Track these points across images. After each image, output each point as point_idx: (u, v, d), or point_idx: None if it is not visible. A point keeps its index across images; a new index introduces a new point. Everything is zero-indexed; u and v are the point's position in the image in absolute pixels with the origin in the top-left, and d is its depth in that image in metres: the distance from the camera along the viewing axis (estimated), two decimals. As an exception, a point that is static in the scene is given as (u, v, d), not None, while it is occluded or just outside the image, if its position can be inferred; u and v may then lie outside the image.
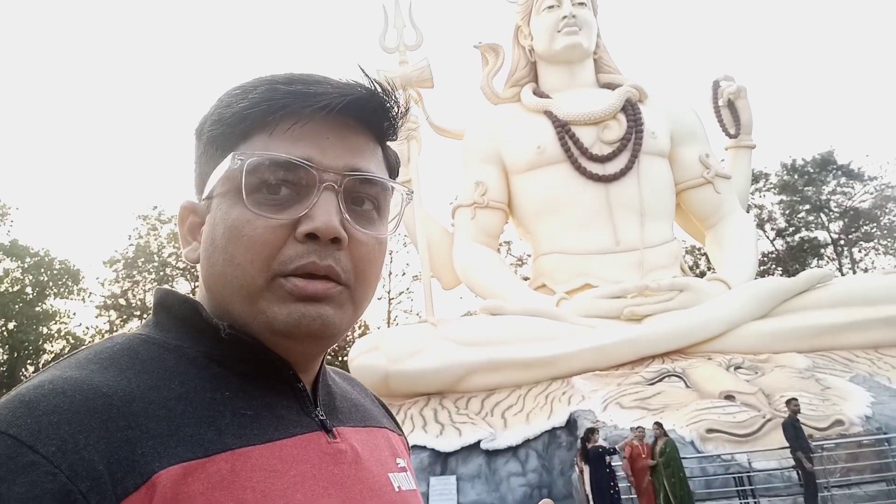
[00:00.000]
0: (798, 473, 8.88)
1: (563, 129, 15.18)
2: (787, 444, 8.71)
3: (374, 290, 0.77)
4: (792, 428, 8.65)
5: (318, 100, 0.70)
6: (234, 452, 0.62)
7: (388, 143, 0.82)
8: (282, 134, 0.71)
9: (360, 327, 28.84)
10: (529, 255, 21.60)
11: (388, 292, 33.46)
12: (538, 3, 16.39)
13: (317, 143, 0.72)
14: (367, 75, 0.75)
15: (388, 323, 32.63)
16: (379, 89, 0.75)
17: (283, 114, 0.71)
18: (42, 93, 62.26)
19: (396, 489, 0.76)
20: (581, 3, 16.22)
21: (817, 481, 8.61)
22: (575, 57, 16.26)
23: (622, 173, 14.90)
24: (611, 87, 16.19)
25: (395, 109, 0.77)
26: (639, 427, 9.29)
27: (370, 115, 0.75)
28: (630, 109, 15.35)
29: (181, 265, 32.39)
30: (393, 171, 0.82)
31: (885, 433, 9.29)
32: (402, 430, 0.93)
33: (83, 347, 0.69)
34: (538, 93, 16.36)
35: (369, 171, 0.74)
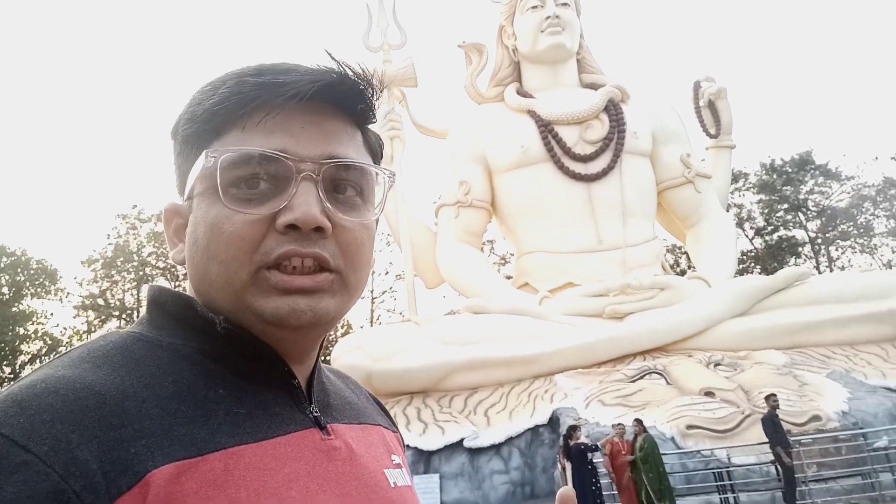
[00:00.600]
0: (777, 468, 9.01)
1: (547, 129, 15.23)
2: (766, 440, 8.84)
3: (366, 275, 0.76)
4: (771, 423, 8.77)
5: (287, 89, 0.68)
6: (226, 452, 0.61)
7: (369, 126, 0.80)
8: (254, 127, 0.69)
9: (342, 326, 28.70)
10: (512, 254, 21.65)
11: (372, 291, 33.33)
12: (522, 4, 16.42)
13: (291, 132, 0.70)
14: (334, 59, 0.73)
15: (371, 322, 32.51)
16: (350, 73, 0.73)
17: (254, 106, 0.69)
18: (18, 91, 61.16)
19: (392, 485, 0.76)
20: (564, 4, 16.29)
21: (795, 476, 8.74)
22: (558, 57, 16.32)
23: (604, 173, 15.00)
24: (593, 87, 16.28)
25: (370, 91, 0.75)
26: (619, 424, 9.36)
27: (344, 99, 0.73)
28: (612, 109, 15.44)
29: (161, 265, 32.00)
30: (376, 155, 0.80)
31: (862, 428, 9.45)
32: (396, 428, 0.92)
33: (76, 346, 0.67)
34: (522, 92, 16.39)
35: (347, 156, 0.72)
